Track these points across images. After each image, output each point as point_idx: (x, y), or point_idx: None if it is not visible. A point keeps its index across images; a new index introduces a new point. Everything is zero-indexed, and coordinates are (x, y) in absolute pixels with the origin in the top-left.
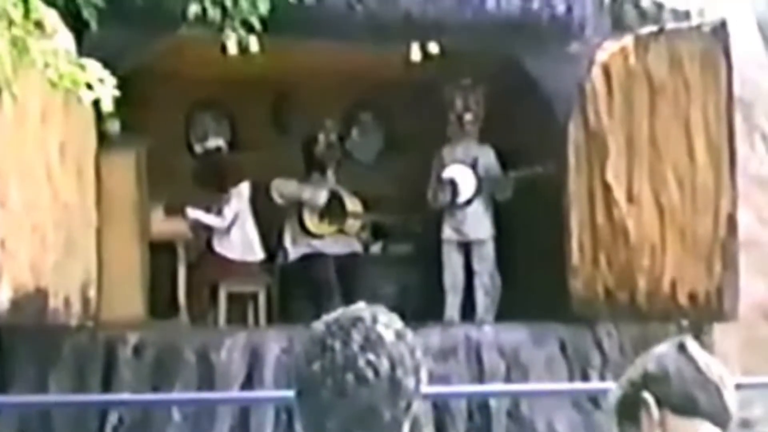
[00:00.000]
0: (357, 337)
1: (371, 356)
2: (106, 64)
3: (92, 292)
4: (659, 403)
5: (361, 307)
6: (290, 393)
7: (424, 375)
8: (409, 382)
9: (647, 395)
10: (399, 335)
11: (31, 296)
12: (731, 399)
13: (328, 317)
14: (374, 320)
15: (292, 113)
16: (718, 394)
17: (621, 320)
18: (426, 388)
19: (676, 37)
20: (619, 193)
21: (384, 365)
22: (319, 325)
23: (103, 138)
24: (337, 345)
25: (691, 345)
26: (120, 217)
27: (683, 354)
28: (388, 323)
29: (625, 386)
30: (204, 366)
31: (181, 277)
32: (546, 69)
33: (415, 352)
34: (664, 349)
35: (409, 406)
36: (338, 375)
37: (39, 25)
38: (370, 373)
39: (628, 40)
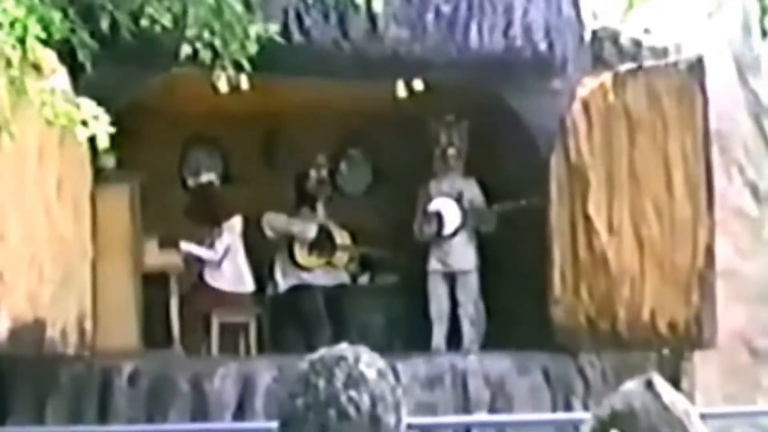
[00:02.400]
0: (340, 375)
1: (353, 393)
2: (101, 102)
3: (88, 323)
4: None
5: (344, 347)
6: (275, 425)
7: (404, 412)
8: (390, 419)
9: None
10: (381, 374)
11: (29, 327)
12: None
13: (313, 356)
14: (357, 359)
15: (283, 148)
16: (683, 430)
17: (603, 349)
18: (412, 418)
19: (654, 74)
20: (600, 225)
21: (365, 402)
22: (303, 363)
23: (98, 173)
24: (321, 382)
25: (658, 382)
26: (115, 249)
27: (649, 391)
28: (370, 362)
29: (593, 424)
30: (197, 394)
31: (174, 308)
32: (528, 104)
33: (396, 390)
34: (631, 386)
35: None
36: (321, 411)
37: (36, 65)
38: (351, 410)
39: (607, 76)
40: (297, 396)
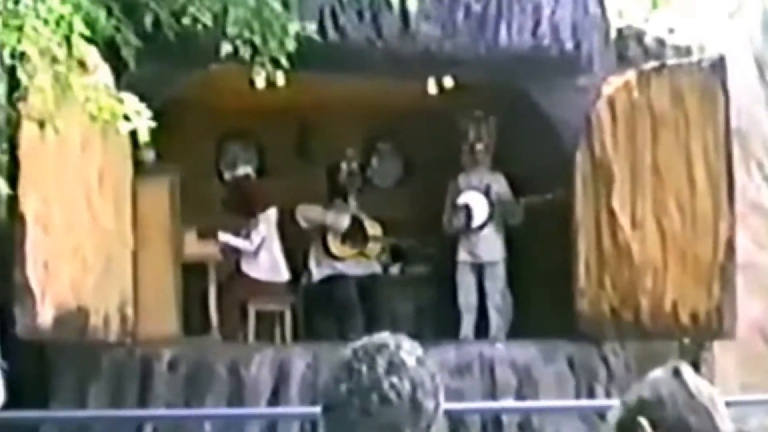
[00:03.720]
0: (382, 362)
1: (395, 379)
2: (143, 97)
3: (129, 311)
4: (654, 427)
5: (385, 335)
6: (317, 409)
7: (442, 398)
8: (429, 404)
9: (643, 420)
10: (420, 361)
11: (73, 314)
12: (722, 420)
13: (355, 344)
14: (398, 347)
15: (316, 142)
16: (708, 416)
17: (626, 338)
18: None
19: (677, 72)
20: (624, 219)
21: (406, 388)
22: (346, 351)
23: (138, 166)
24: (364, 368)
25: (685, 370)
26: (155, 240)
27: (677, 379)
28: (410, 350)
29: (622, 411)
30: (234, 380)
31: (212, 296)
32: (555, 101)
33: (435, 377)
34: (658, 374)
35: (428, 427)
36: (363, 395)
37: (81, 62)
38: (393, 395)
39: (631, 74)
40: (340, 381)
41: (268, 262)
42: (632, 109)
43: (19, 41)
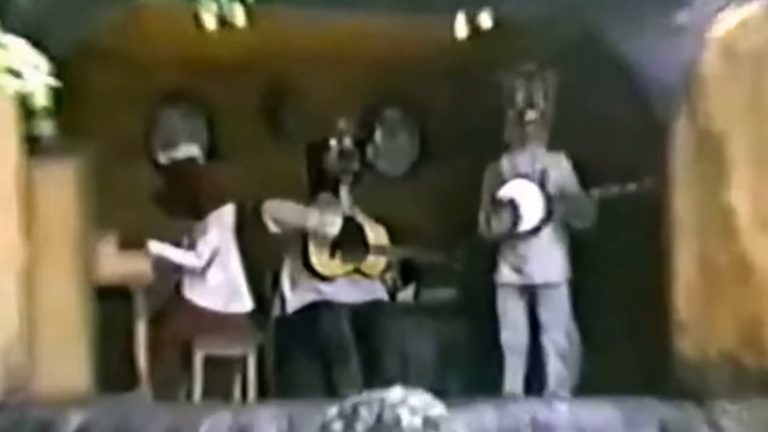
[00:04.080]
0: (364, 419)
1: None
2: (38, 44)
3: (18, 357)
4: None
5: (396, 387)
6: None
7: None
8: None
9: None
10: (431, 423)
11: None
12: None
13: (352, 399)
14: (401, 402)
15: (293, 111)
16: None
17: (746, 393)
18: None
19: None
20: (744, 219)
21: None
22: (333, 408)
23: (32, 144)
24: (337, 427)
25: None
26: (56, 252)
27: None
28: (418, 407)
29: None
30: None
31: (140, 334)
32: (641, 49)
33: None
34: None
35: None
36: None
37: None
38: None
39: (754, 8)
40: None
41: (222, 285)
42: (757, 60)
43: None
